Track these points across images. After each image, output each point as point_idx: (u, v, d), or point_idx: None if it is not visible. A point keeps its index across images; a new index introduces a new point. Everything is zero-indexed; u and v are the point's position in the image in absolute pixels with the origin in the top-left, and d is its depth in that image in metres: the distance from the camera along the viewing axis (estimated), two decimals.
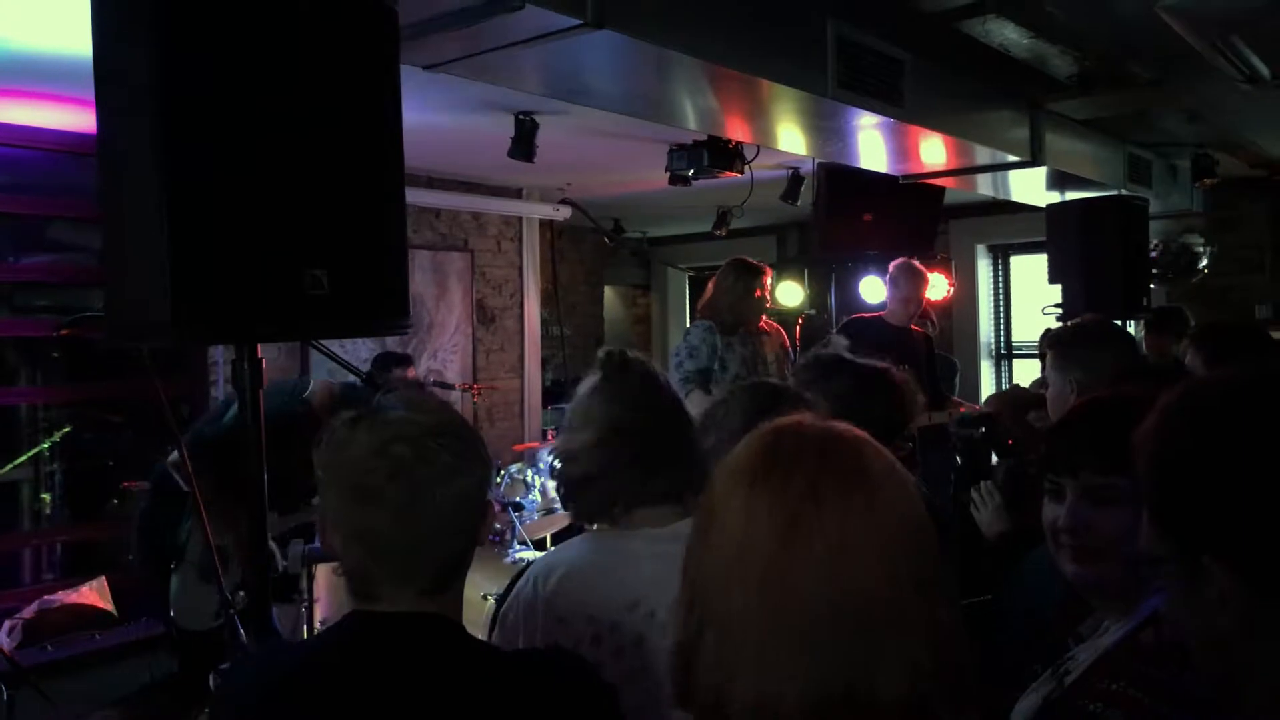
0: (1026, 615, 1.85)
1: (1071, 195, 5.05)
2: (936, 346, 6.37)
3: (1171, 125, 4.60)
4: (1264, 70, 2.82)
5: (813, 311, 5.86)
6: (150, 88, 1.54)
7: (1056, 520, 1.37)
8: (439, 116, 4.43)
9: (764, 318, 4.50)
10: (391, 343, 5.85)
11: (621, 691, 1.55)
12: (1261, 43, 2.60)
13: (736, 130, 3.82)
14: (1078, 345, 2.61)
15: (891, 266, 5.04)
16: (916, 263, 5.05)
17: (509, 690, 1.14)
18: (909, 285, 4.92)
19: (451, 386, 5.76)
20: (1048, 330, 2.76)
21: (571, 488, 1.73)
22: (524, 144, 4.40)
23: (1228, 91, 3.29)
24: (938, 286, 6.38)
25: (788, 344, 4.59)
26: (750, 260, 4.32)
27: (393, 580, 1.15)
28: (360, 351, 5.59)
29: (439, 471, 1.14)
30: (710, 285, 4.34)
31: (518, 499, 4.55)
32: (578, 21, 2.25)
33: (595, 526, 1.75)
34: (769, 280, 4.33)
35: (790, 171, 5.67)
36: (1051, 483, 1.39)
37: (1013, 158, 4.08)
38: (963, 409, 4.45)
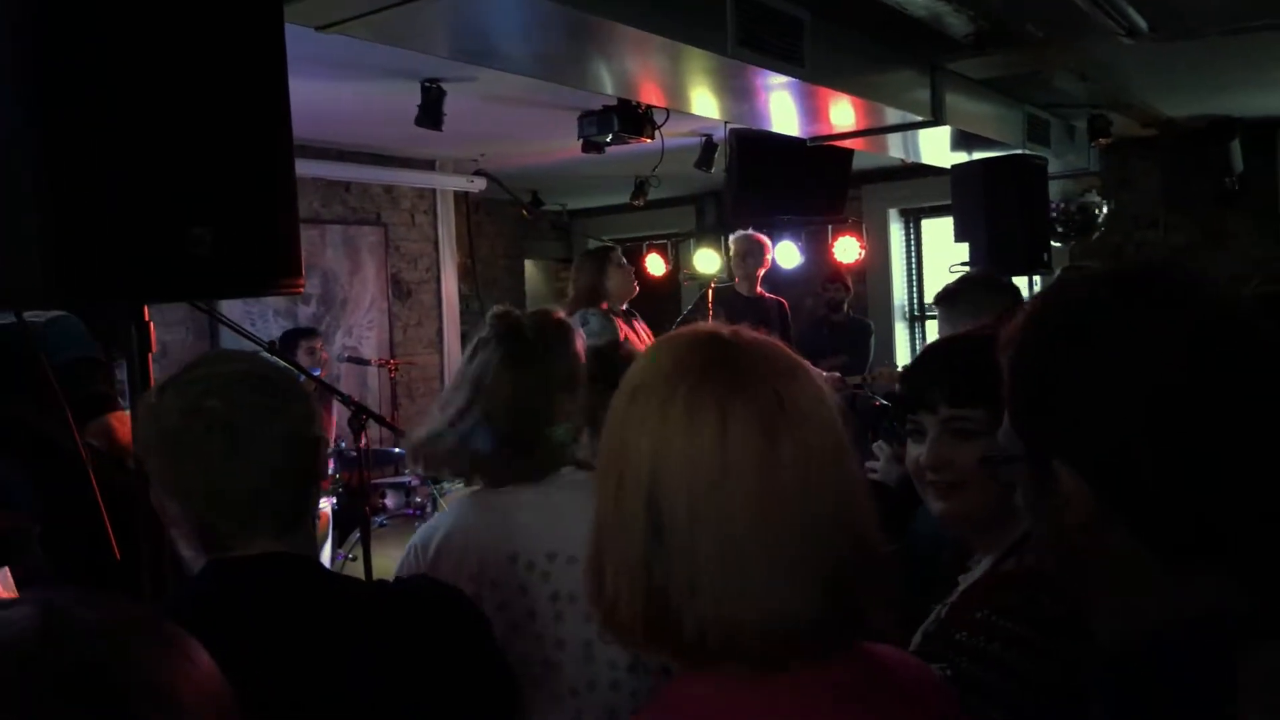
0: (925, 561, 1.90)
1: (976, 156, 5.20)
2: (851, 310, 6.53)
3: (1066, 85, 4.73)
4: (1141, 23, 2.93)
5: (724, 278, 5.92)
6: (17, 40, 1.48)
7: (919, 459, 1.36)
8: (344, 86, 4.34)
9: (632, 294, 4.48)
10: (303, 318, 5.75)
11: (508, 642, 1.57)
12: None
13: (644, 92, 3.82)
14: (964, 296, 2.70)
15: (731, 240, 5.25)
16: (755, 234, 5.26)
17: (371, 618, 1.17)
18: (750, 256, 5.22)
19: (367, 362, 5.68)
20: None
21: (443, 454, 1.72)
22: (431, 112, 4.34)
23: (1112, 47, 3.40)
24: (849, 250, 6.50)
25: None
26: (598, 244, 4.38)
27: (238, 529, 1.17)
28: (272, 330, 5.48)
29: (254, 415, 1.15)
30: (573, 278, 4.36)
31: None
32: None
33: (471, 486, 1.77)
34: (620, 259, 4.35)
35: (703, 139, 5.70)
36: (912, 423, 1.39)
37: (915, 118, 4.16)
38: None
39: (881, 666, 0.90)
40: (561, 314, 1.85)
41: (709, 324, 0.90)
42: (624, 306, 4.32)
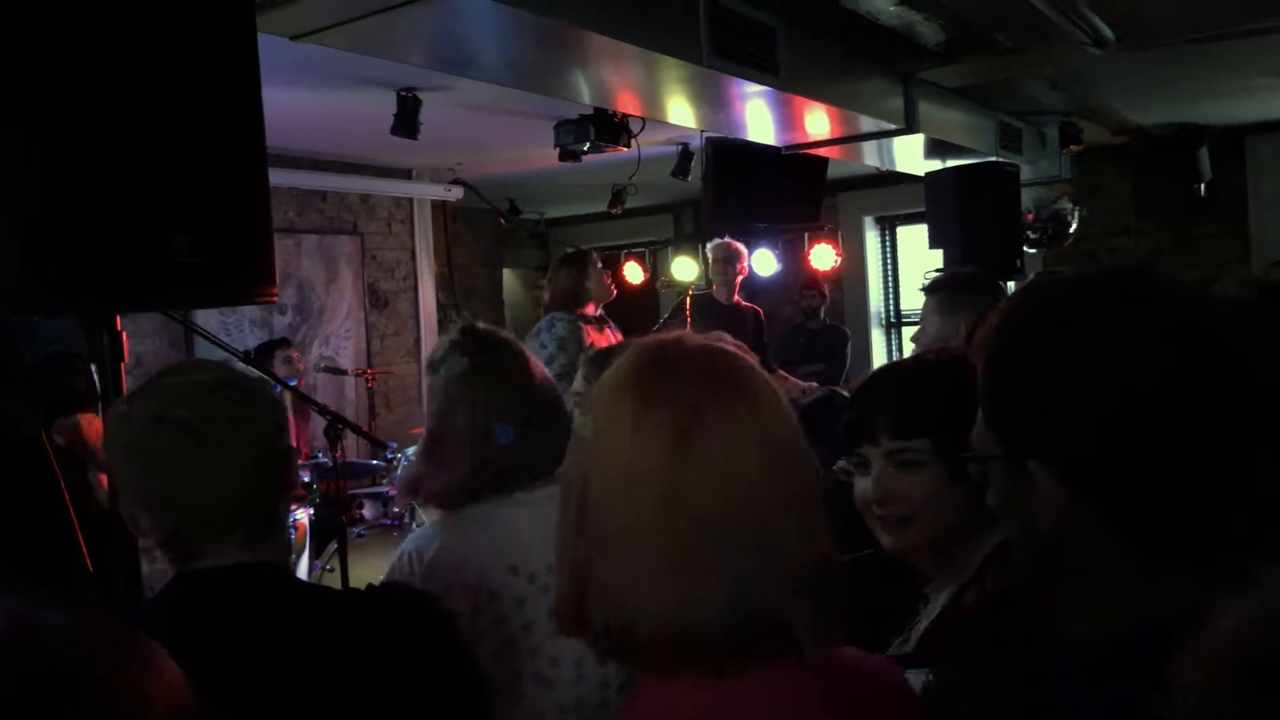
0: (891, 573, 1.88)
1: (950, 164, 5.25)
2: (828, 317, 6.57)
3: (1037, 93, 4.80)
4: (1108, 33, 2.98)
5: (701, 285, 5.95)
6: None
7: (865, 493, 1.33)
8: (319, 95, 4.33)
9: (608, 298, 4.49)
10: (280, 329, 5.72)
11: (502, 656, 1.57)
12: (1102, 6, 2.75)
13: (621, 101, 3.84)
14: (965, 290, 2.59)
15: (708, 247, 5.29)
16: (731, 242, 5.30)
17: (342, 626, 1.17)
18: (728, 263, 5.28)
19: (344, 372, 5.66)
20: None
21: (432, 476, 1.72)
22: (407, 121, 4.34)
23: (1080, 56, 3.45)
24: (825, 258, 6.55)
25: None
26: (573, 249, 4.37)
27: (210, 538, 1.16)
28: (248, 340, 5.44)
29: (225, 425, 1.15)
30: (548, 285, 4.36)
31: None
32: None
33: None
34: (598, 261, 4.35)
35: (680, 147, 5.73)
36: (857, 456, 1.35)
37: (889, 125, 4.20)
38: (790, 382, 4.83)
39: (850, 672, 0.90)
40: (507, 335, 1.84)
41: (662, 333, 0.92)
42: (599, 312, 4.32)
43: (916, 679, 1.16)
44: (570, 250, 4.37)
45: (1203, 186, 6.17)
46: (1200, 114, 5.77)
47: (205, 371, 1.21)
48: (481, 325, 1.78)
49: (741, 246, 5.45)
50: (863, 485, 1.34)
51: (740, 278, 5.41)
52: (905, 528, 1.31)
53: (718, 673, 0.81)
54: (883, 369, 1.55)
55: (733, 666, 0.81)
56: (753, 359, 0.92)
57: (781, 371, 5.27)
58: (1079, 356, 0.81)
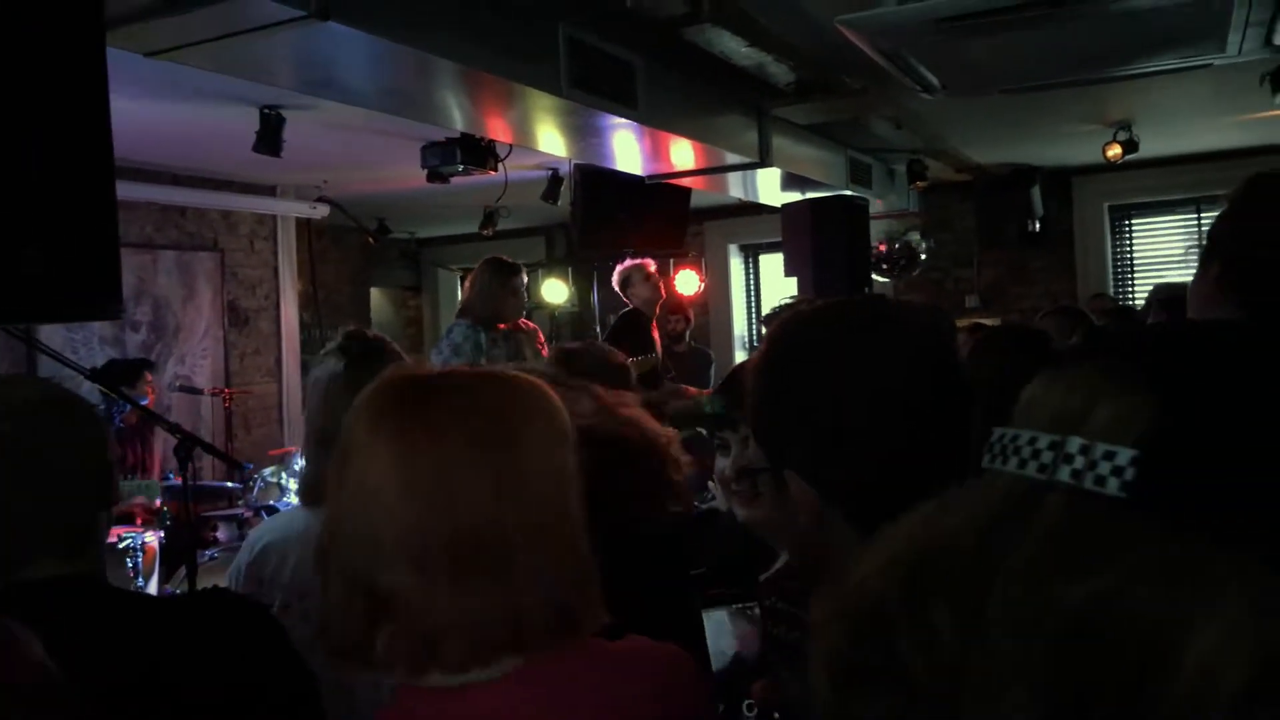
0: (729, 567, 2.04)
1: (807, 196, 5.53)
2: (693, 340, 6.77)
3: (884, 132, 5.11)
4: (934, 81, 3.24)
5: (569, 307, 6.05)
6: None
7: (724, 471, 1.51)
8: (179, 109, 4.25)
9: (521, 316, 4.60)
10: (133, 347, 5.53)
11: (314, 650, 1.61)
12: (925, 57, 3.00)
13: (490, 128, 3.91)
14: None
15: (631, 267, 5.40)
16: (640, 260, 5.39)
17: (164, 633, 1.18)
18: (646, 283, 5.33)
19: (200, 391, 5.51)
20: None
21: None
22: (270, 138, 4.30)
23: (915, 100, 3.73)
24: (689, 283, 6.76)
25: (543, 340, 4.74)
26: (505, 258, 4.44)
27: (20, 553, 1.15)
28: (97, 358, 5.24)
29: (43, 440, 1.15)
30: (467, 285, 4.43)
31: (271, 503, 4.44)
32: (301, 13, 2.26)
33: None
34: (524, 277, 4.46)
35: (550, 172, 5.83)
36: (719, 439, 1.53)
37: (744, 159, 4.41)
38: (691, 391, 5.00)
39: (635, 658, 0.99)
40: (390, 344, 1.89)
41: (413, 364, 1.00)
42: (514, 322, 4.40)
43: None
44: (497, 258, 4.39)
45: (1036, 223, 6.66)
46: (1032, 156, 6.25)
47: (25, 387, 1.21)
48: (370, 332, 1.80)
49: (644, 262, 5.51)
50: (722, 464, 1.52)
51: (657, 292, 5.44)
52: (758, 502, 1.48)
53: (419, 670, 0.88)
54: (744, 363, 1.72)
55: (524, 660, 0.89)
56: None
57: (668, 382, 5.39)
58: (815, 375, 0.95)
